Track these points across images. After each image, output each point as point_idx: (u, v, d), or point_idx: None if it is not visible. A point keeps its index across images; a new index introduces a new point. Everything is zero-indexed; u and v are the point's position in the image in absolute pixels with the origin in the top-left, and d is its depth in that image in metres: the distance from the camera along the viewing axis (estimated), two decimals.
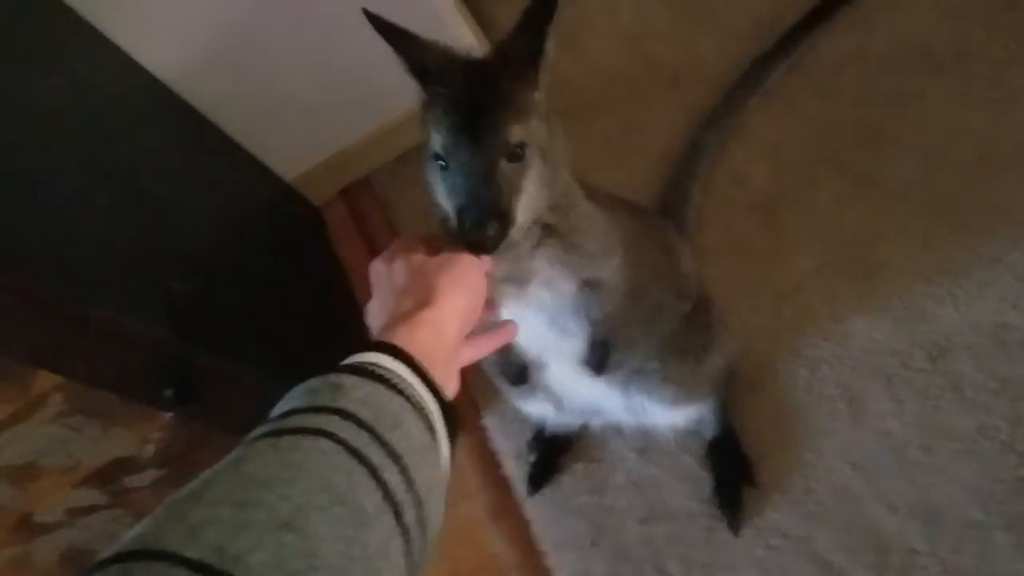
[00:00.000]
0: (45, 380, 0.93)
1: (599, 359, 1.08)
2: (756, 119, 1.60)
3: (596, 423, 1.39)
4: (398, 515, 0.53)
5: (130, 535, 0.45)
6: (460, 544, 1.48)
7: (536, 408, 1.30)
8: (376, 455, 0.54)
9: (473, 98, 0.81)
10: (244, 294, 1.23)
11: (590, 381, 1.15)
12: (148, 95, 1.33)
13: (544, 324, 1.02)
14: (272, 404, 1.11)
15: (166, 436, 1.20)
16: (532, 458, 1.47)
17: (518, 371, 1.16)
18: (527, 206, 0.84)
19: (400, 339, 0.66)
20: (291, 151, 1.65)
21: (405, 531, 0.54)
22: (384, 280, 0.79)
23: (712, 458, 1.39)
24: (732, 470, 1.37)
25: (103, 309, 0.87)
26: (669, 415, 1.30)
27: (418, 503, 0.56)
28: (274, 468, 0.50)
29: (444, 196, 0.84)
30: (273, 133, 1.60)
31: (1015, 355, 1.32)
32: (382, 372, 0.60)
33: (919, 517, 1.27)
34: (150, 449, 1.21)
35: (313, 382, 0.58)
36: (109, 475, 1.16)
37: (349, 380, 0.58)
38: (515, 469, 1.49)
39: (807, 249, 1.48)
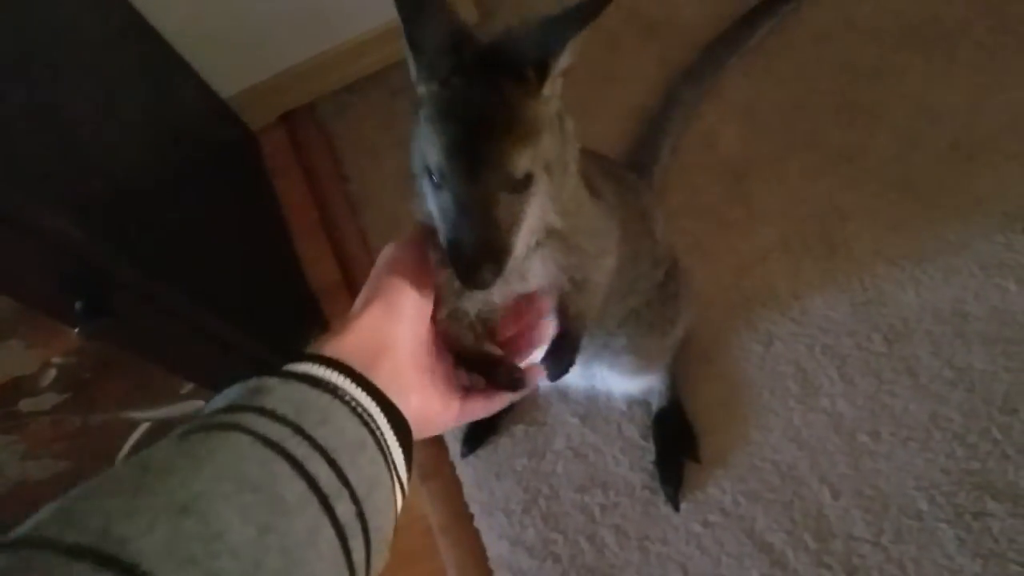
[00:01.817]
0: None
1: (561, 357, 0.89)
2: (732, 80, 1.53)
3: (546, 384, 1.31)
4: (327, 507, 0.50)
5: (18, 528, 0.42)
6: None
7: None
8: (300, 449, 0.51)
9: (474, 111, 0.67)
10: (169, 212, 1.11)
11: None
12: None
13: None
14: (189, 331, 1.00)
15: (71, 359, 1.08)
16: None
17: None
18: (528, 234, 0.73)
19: (331, 346, 0.61)
20: (230, 65, 1.51)
21: (337, 524, 0.50)
22: None
23: (657, 429, 1.33)
24: (676, 443, 1.32)
25: (11, 197, 0.74)
26: (624, 383, 1.24)
27: (355, 498, 0.52)
28: (176, 459, 0.47)
29: (435, 212, 0.71)
30: (213, 43, 1.45)
31: (974, 345, 1.29)
32: (310, 372, 0.57)
33: (863, 504, 1.24)
34: (51, 373, 1.09)
35: (232, 388, 0.54)
36: (3, 395, 1.03)
37: (270, 381, 0.54)
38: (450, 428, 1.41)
39: (773, 220, 1.42)
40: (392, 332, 0.65)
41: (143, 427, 1.28)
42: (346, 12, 1.53)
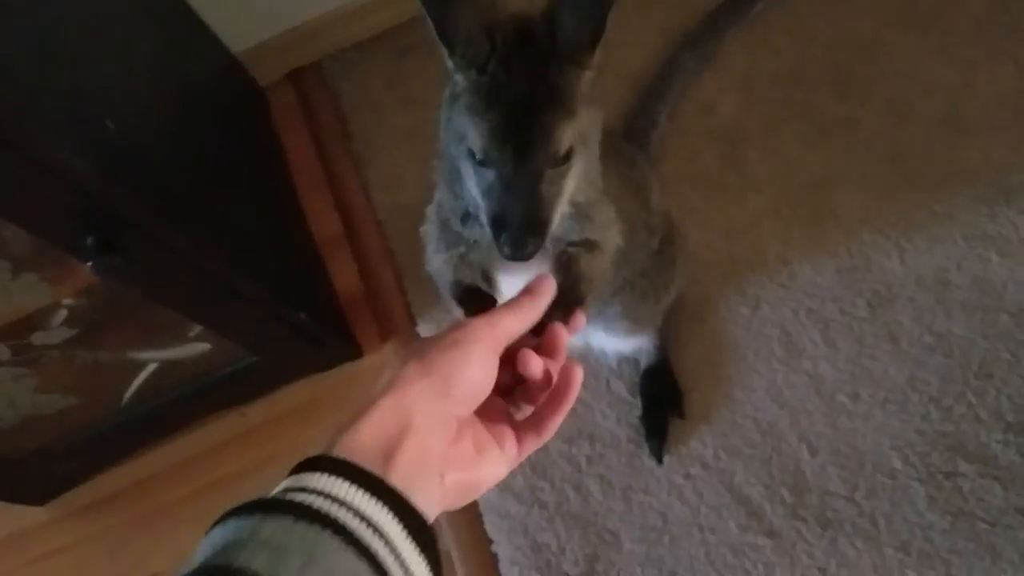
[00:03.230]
0: None
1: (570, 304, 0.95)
2: (731, 49, 1.56)
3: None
4: None
5: None
6: None
7: None
8: None
9: (517, 96, 0.69)
10: (179, 159, 1.15)
11: None
12: None
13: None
14: (197, 274, 1.04)
15: (82, 300, 1.12)
16: None
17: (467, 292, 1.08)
18: (564, 205, 0.76)
19: (345, 440, 0.54)
20: (242, 20, 1.54)
21: None
22: None
23: (644, 386, 1.38)
24: (662, 399, 1.37)
25: (26, 132, 0.78)
26: (617, 344, 1.28)
27: None
28: None
29: (475, 190, 0.74)
30: None
31: (954, 313, 1.33)
32: (299, 499, 0.49)
33: (839, 461, 1.29)
34: (62, 313, 1.13)
35: (216, 531, 0.49)
36: (17, 328, 1.08)
37: (248, 525, 0.48)
38: None
39: (765, 188, 1.46)
40: (413, 405, 0.57)
41: (151, 367, 1.33)
42: None
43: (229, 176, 1.36)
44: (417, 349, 0.61)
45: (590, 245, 0.88)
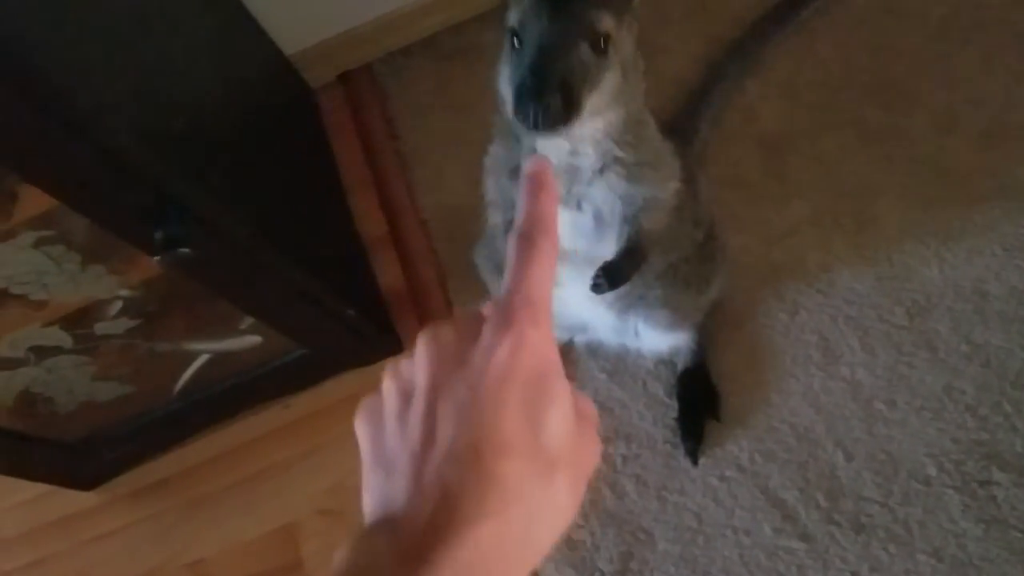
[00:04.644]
0: (29, 204, 0.89)
1: (622, 271, 0.93)
2: (775, 57, 1.57)
3: (580, 340, 1.39)
4: None
5: None
6: None
7: None
8: None
9: None
10: (237, 157, 1.19)
11: (590, 300, 1.11)
12: None
13: (585, 237, 0.95)
14: (256, 267, 1.08)
15: (137, 292, 1.17)
16: None
17: None
18: (598, 106, 0.76)
19: None
20: (296, 23, 1.58)
21: None
22: (389, 420, 0.43)
23: (681, 387, 1.40)
24: (699, 401, 1.38)
25: (106, 127, 0.82)
26: (656, 340, 1.31)
27: None
28: None
29: (508, 73, 0.76)
30: (283, 1, 1.53)
31: (991, 323, 1.34)
32: None
33: (874, 467, 1.30)
34: (118, 304, 1.18)
35: None
36: (81, 317, 1.12)
37: None
38: None
39: (807, 195, 1.47)
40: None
41: (203, 358, 1.38)
42: None
43: (283, 174, 1.40)
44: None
45: (648, 202, 0.90)
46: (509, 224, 0.94)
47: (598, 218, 0.92)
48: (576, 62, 0.72)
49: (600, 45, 0.74)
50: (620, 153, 0.84)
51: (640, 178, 0.88)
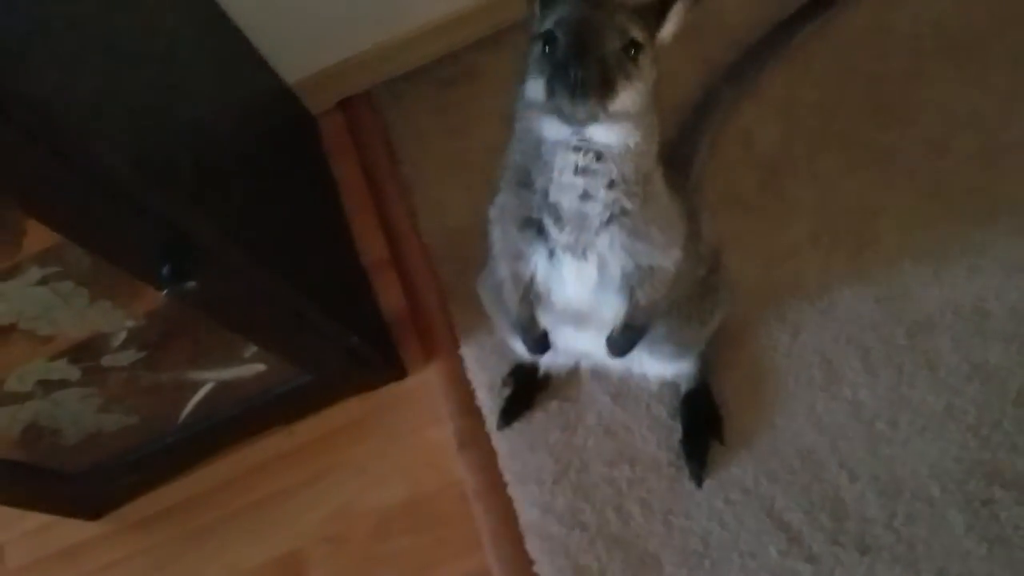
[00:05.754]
0: (36, 240, 0.90)
1: (627, 343, 1.02)
2: (771, 79, 1.59)
3: (585, 364, 1.39)
4: None
5: None
6: (424, 467, 1.49)
7: None
8: None
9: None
10: (243, 185, 1.20)
11: (594, 343, 1.13)
12: None
13: (588, 289, 0.98)
14: (260, 297, 1.08)
15: (141, 323, 1.17)
16: (507, 392, 1.47)
17: (539, 338, 1.13)
18: (626, 105, 0.78)
19: None
20: (296, 52, 1.60)
21: None
22: None
23: (685, 410, 1.40)
24: (702, 424, 1.39)
25: (116, 166, 0.83)
26: (660, 367, 1.31)
27: None
28: None
29: (540, 72, 0.78)
30: (280, 33, 1.54)
31: (991, 342, 1.35)
32: None
33: (878, 487, 1.31)
34: (122, 335, 1.18)
35: None
36: (87, 350, 1.13)
37: None
38: (487, 400, 1.49)
39: (805, 216, 1.48)
40: None
41: (207, 387, 1.38)
42: (403, 5, 1.61)
43: (286, 202, 1.41)
44: None
45: (646, 273, 0.92)
46: (516, 278, 0.95)
47: (602, 269, 0.93)
48: (612, 48, 0.76)
49: (630, 51, 0.77)
50: (628, 205, 0.86)
51: (646, 236, 0.89)
